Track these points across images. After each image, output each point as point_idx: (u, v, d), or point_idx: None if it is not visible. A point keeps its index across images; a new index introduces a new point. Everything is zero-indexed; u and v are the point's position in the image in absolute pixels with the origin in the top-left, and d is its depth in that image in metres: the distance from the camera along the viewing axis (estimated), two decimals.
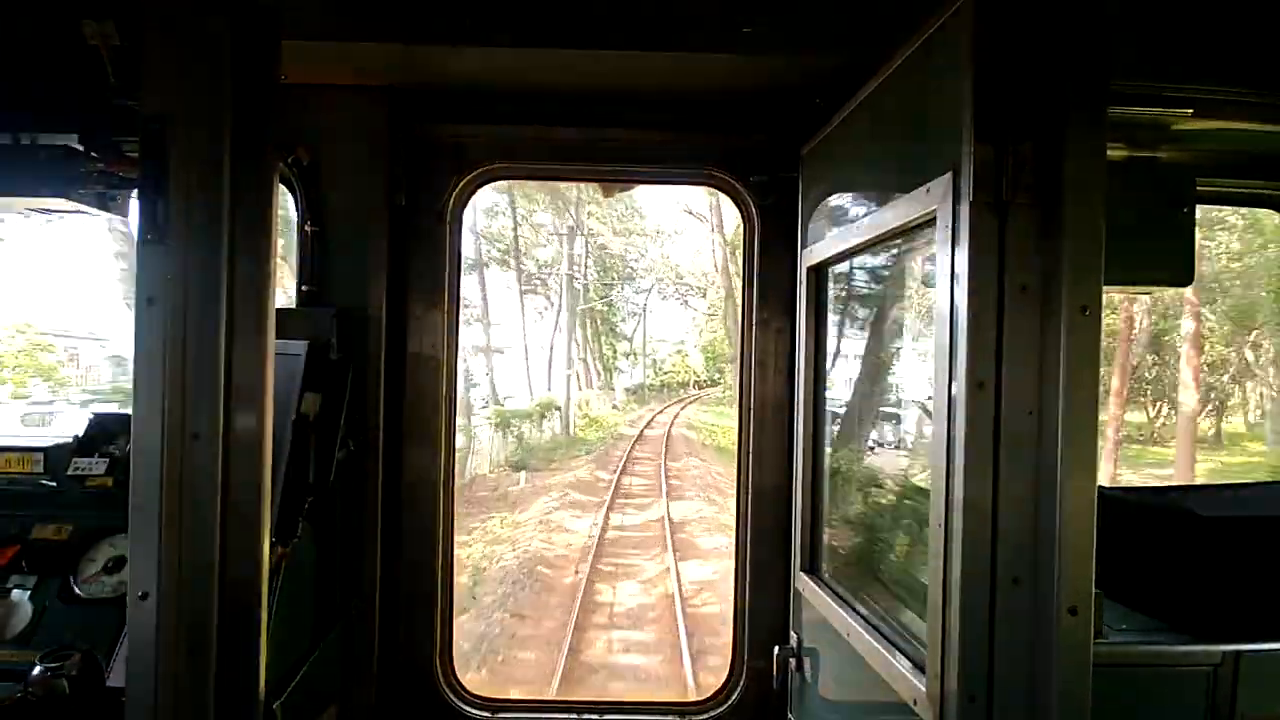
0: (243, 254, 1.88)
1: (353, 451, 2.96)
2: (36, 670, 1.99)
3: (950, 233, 1.84)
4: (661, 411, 44.10)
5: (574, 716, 3.37)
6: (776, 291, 3.25)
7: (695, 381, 61.99)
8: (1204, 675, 2.33)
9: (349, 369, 2.95)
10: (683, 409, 45.75)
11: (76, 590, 2.48)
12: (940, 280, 1.87)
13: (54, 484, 2.68)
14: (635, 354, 59.90)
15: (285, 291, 3.27)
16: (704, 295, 56.34)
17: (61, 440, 2.77)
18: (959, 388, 1.79)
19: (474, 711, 3.26)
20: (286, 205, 3.07)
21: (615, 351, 58.15)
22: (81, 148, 2.36)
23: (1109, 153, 1.84)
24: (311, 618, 2.77)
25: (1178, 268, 2.85)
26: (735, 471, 3.44)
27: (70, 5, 2.02)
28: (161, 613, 1.81)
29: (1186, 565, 2.43)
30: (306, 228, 3.07)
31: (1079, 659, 1.74)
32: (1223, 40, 2.23)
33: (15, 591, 2.47)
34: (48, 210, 2.56)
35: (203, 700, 1.84)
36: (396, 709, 3.17)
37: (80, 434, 2.77)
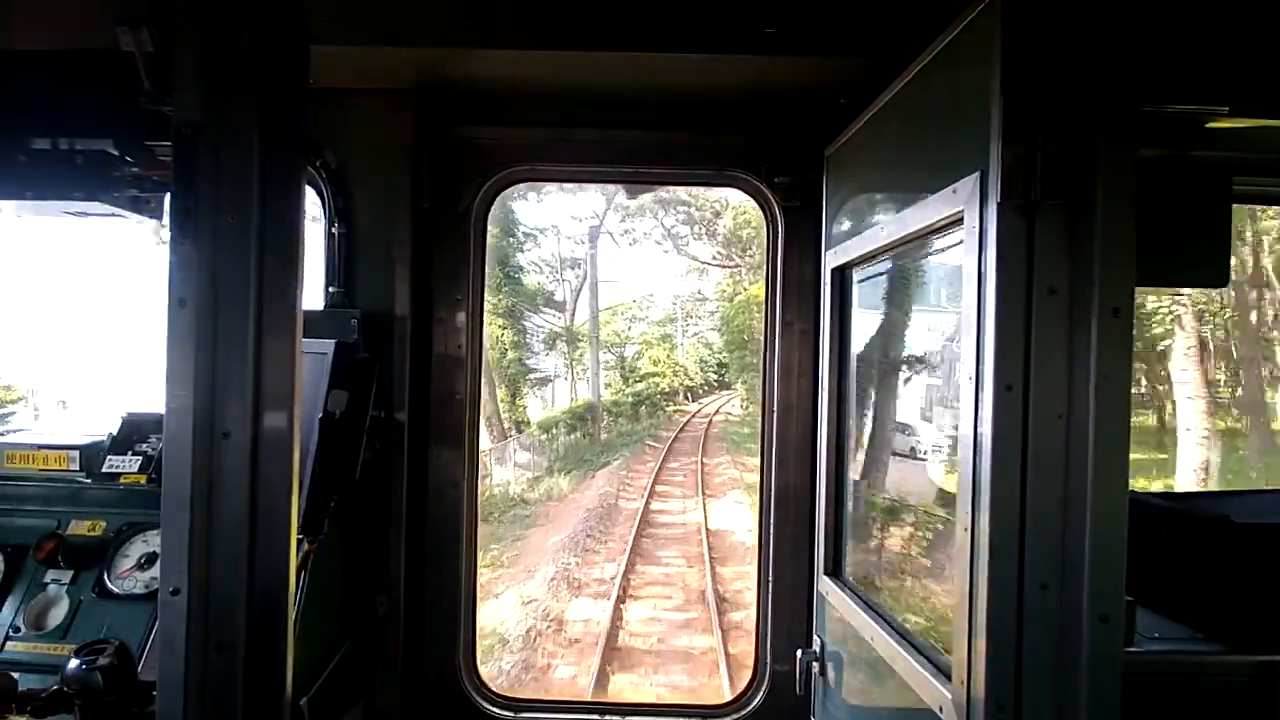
0: (271, 256, 1.91)
1: (378, 451, 2.99)
2: (72, 664, 2.04)
3: (977, 234, 1.82)
4: (639, 561, 12.48)
5: (596, 718, 3.38)
6: (800, 293, 3.23)
7: (688, 388, 42.73)
8: (1239, 686, 2.27)
9: (375, 369, 2.99)
10: (720, 494, 17.98)
11: (110, 585, 2.53)
12: (967, 282, 1.85)
13: (89, 481, 2.75)
14: (577, 339, 33.55)
15: (313, 290, 3.31)
16: (710, 234, 31.95)
17: (96, 438, 2.84)
18: (986, 391, 1.77)
19: (497, 711, 3.27)
20: (314, 208, 3.11)
21: (516, 334, 28.05)
22: (116, 152, 2.42)
23: (1141, 151, 1.80)
24: (338, 616, 2.81)
25: (1213, 268, 2.79)
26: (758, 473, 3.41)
27: (105, 13, 2.07)
28: (192, 608, 1.84)
29: (1222, 573, 2.37)
30: (334, 230, 3.11)
31: (1109, 667, 1.71)
32: (1260, 36, 2.18)
33: (52, 586, 2.54)
34: (84, 214, 2.62)
35: (232, 695, 1.87)
36: (420, 707, 3.19)
37: (114, 432, 2.84)
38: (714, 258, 35.12)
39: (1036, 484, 1.74)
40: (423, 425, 3.21)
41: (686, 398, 43.16)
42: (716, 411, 39.28)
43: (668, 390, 41.76)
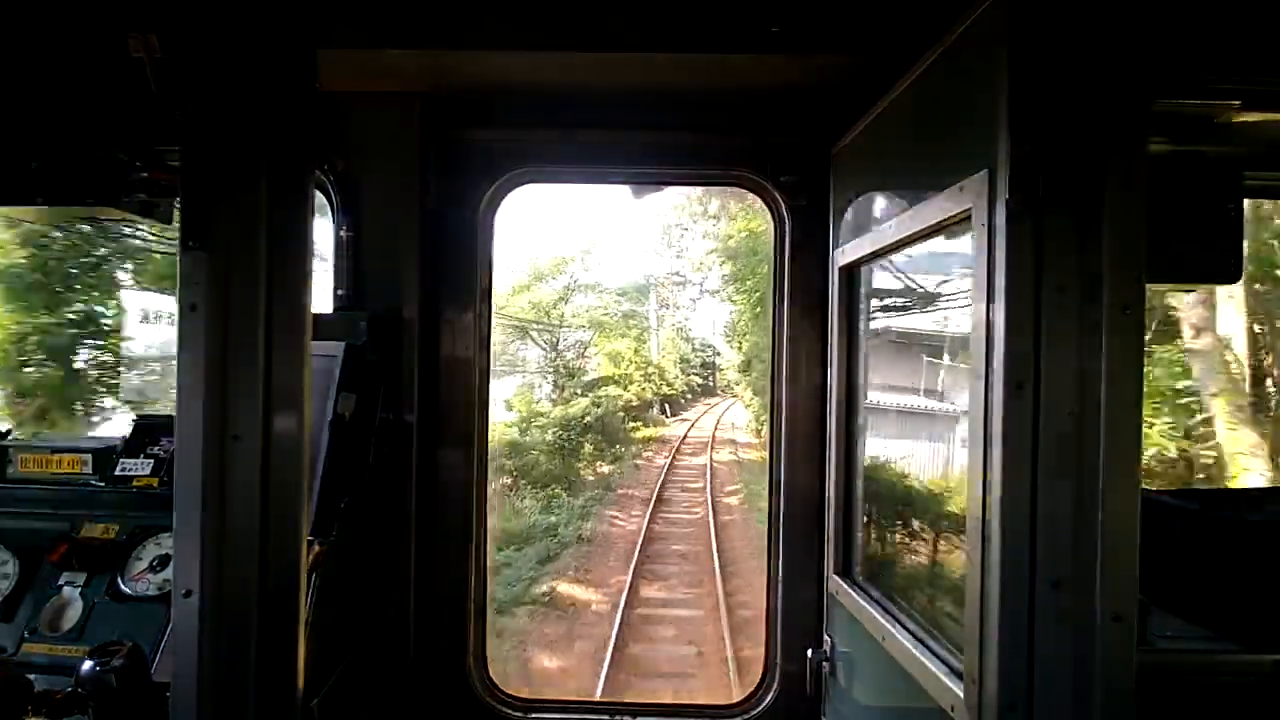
0: (280, 259, 1.92)
1: (387, 453, 3.00)
2: (86, 665, 2.05)
3: (986, 231, 1.81)
4: None
5: (606, 718, 3.38)
6: (808, 292, 3.22)
7: (666, 397, 30.43)
8: (1253, 685, 2.25)
9: (383, 371, 3.00)
10: None
11: (124, 587, 2.55)
12: (976, 280, 1.84)
13: (102, 484, 2.77)
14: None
15: (322, 295, 3.33)
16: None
17: (109, 442, 2.86)
18: (997, 389, 1.76)
19: (508, 711, 3.28)
20: (322, 211, 3.12)
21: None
22: (126, 158, 2.44)
23: (1152, 146, 1.79)
24: (348, 617, 2.82)
25: (1224, 264, 2.77)
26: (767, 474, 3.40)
27: (115, 20, 2.09)
28: (204, 610, 1.85)
29: (1235, 571, 2.36)
30: (342, 233, 3.12)
31: (1123, 667, 1.70)
32: (1269, 30, 2.16)
33: (66, 589, 2.56)
34: (95, 219, 2.64)
35: (243, 696, 1.88)
36: (431, 708, 3.20)
37: (127, 436, 2.86)
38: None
39: (1048, 482, 1.73)
40: (432, 427, 3.22)
41: (663, 411, 29.55)
42: (714, 437, 25.41)
43: (636, 403, 26.66)
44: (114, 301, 9.54)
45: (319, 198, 3.02)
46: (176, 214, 2.32)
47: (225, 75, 1.89)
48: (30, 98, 2.43)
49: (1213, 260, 2.75)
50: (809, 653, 3.07)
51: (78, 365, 9.32)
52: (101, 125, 2.43)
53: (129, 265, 9.58)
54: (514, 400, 24.14)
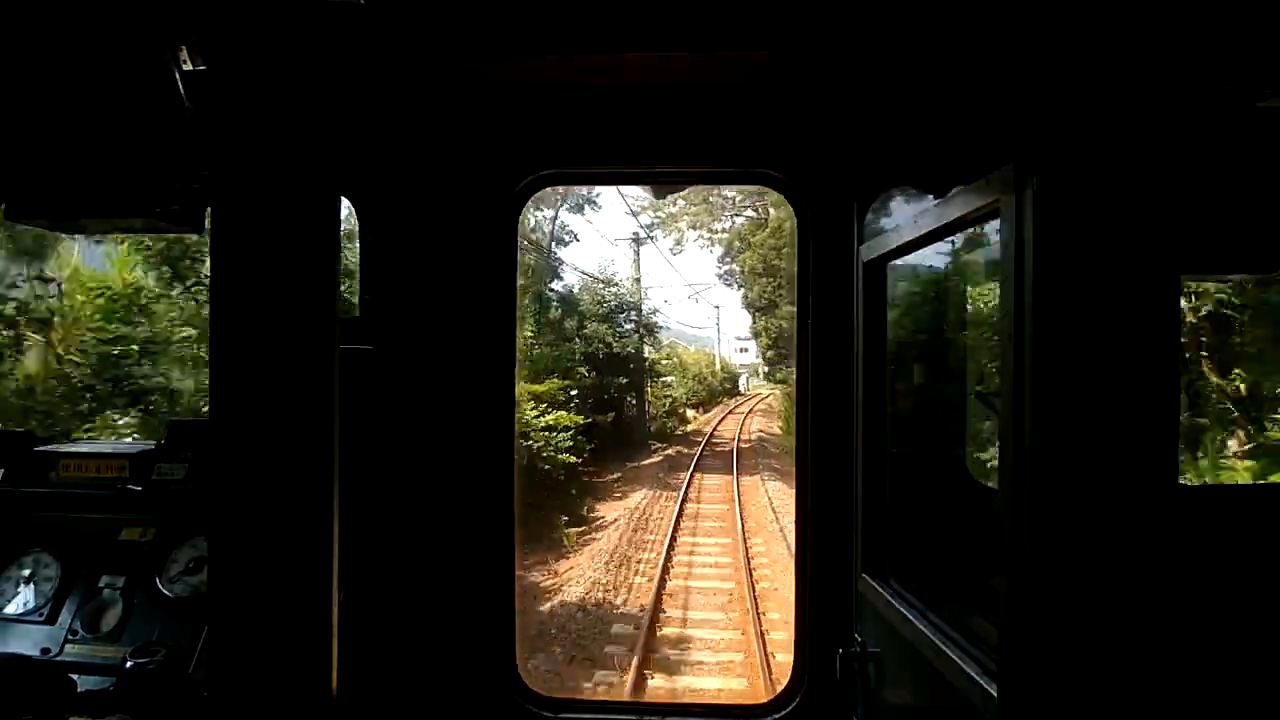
0: (308, 265, 1.95)
1: (412, 453, 3.04)
2: (127, 665, 2.11)
3: (1014, 224, 1.78)
4: None
5: (635, 717, 3.38)
6: (833, 288, 3.19)
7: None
8: None
9: (409, 372, 3.03)
10: None
11: (161, 589, 2.61)
12: (1004, 271, 1.82)
13: (139, 488, 2.83)
14: None
15: (348, 299, 3.38)
16: None
17: (145, 446, 2.93)
18: (1026, 382, 1.74)
19: (536, 710, 3.29)
20: (349, 215, 3.17)
21: None
22: (157, 168, 2.48)
23: (1184, 133, 1.76)
24: (377, 618, 2.85)
25: (1263, 253, 2.70)
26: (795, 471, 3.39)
27: (145, 31, 2.13)
28: (239, 611, 1.89)
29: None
30: (367, 237, 3.17)
31: (1159, 667, 1.67)
32: None
33: (106, 591, 2.62)
34: (131, 230, 2.70)
35: (278, 695, 1.91)
36: (459, 707, 3.23)
37: (163, 440, 2.92)
38: None
39: (1081, 478, 1.71)
40: (457, 427, 3.25)
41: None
42: None
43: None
44: None
45: (345, 202, 3.07)
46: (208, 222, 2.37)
47: (255, 85, 1.92)
48: (60, 109, 2.49)
49: (1250, 249, 2.68)
50: (839, 652, 3.05)
51: None
52: (133, 137, 2.47)
53: None
54: None
